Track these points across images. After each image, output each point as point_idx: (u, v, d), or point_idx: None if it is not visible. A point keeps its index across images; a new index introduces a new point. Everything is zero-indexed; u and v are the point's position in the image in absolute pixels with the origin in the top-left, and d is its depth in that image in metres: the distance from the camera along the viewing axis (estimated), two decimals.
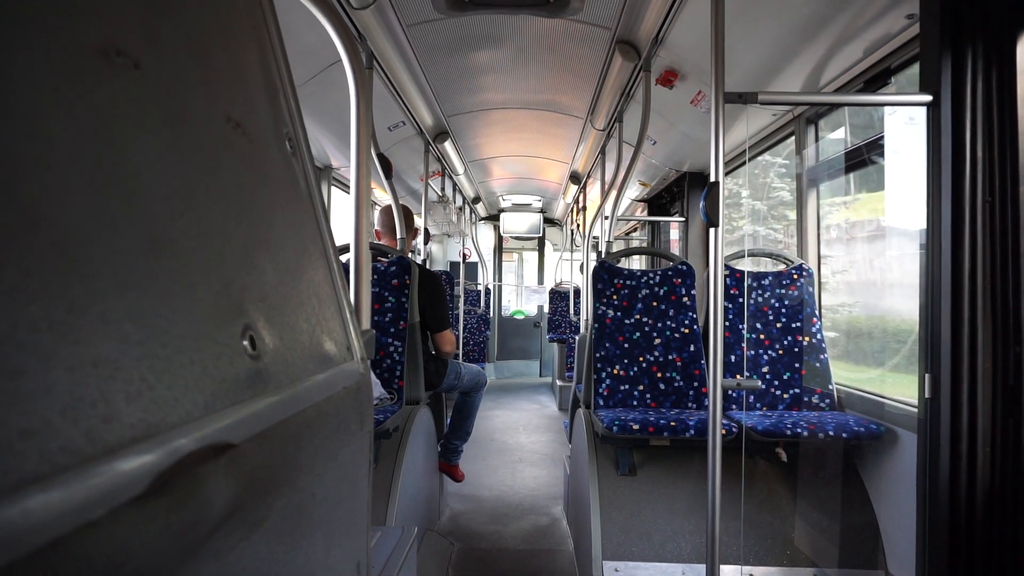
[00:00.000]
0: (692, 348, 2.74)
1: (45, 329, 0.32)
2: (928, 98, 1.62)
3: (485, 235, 9.18)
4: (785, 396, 2.61)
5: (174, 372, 0.44)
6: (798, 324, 2.68)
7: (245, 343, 0.55)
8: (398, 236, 3.10)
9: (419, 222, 4.20)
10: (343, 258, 2.06)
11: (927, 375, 1.63)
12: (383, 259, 2.79)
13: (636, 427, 2.22)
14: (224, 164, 0.58)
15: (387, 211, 3.12)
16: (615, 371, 2.72)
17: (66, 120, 0.36)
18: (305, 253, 0.79)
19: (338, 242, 1.56)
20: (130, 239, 0.41)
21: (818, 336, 2.65)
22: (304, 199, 0.82)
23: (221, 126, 0.59)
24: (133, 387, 0.38)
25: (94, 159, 0.39)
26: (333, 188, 4.35)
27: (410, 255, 2.92)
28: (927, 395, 1.63)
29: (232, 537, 0.49)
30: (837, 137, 2.82)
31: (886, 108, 2.34)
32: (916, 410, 1.70)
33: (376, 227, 3.14)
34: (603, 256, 3.11)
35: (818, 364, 2.62)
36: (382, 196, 5.21)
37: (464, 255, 7.13)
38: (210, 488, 0.46)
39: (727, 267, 2.72)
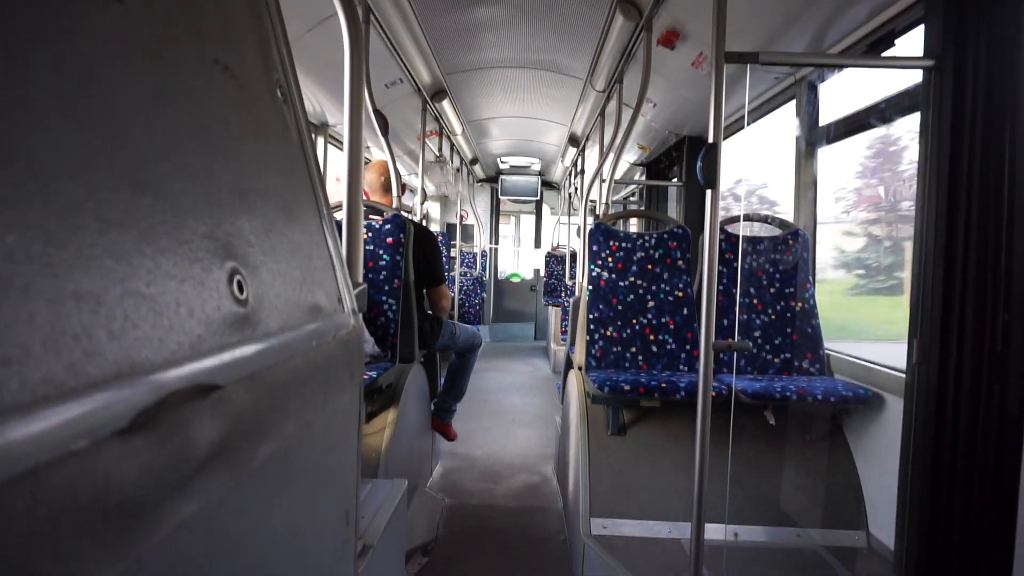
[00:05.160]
0: (685, 311, 2.75)
1: (23, 260, 0.32)
2: (930, 62, 1.60)
3: (482, 197, 9.12)
4: (776, 360, 2.64)
5: (159, 312, 0.44)
6: (791, 289, 2.69)
7: (232, 287, 0.56)
8: (393, 194, 3.07)
9: (415, 182, 4.16)
10: (337, 215, 2.05)
11: (915, 340, 1.64)
12: (377, 217, 2.77)
13: (627, 388, 2.24)
14: (211, 107, 0.58)
15: (375, 168, 3.08)
16: (608, 333, 2.73)
17: (46, 52, 0.36)
18: (296, 202, 0.78)
19: (333, 200, 1.54)
20: (112, 176, 0.41)
21: (811, 302, 2.66)
22: (295, 148, 0.81)
23: (208, 68, 0.58)
24: (116, 324, 0.39)
25: (75, 93, 0.38)
26: (329, 147, 4.30)
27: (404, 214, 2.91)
28: (914, 360, 1.64)
29: (218, 479, 0.50)
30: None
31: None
32: (904, 375, 1.72)
33: (364, 186, 3.10)
34: (599, 218, 3.10)
35: (810, 329, 2.63)
36: (376, 154, 5.16)
37: (461, 216, 7.09)
38: (195, 428, 0.46)
39: (723, 231, 2.71)
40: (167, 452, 0.42)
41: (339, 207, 2.19)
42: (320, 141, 4.19)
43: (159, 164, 0.47)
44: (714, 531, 2.07)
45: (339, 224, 1.55)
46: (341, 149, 4.33)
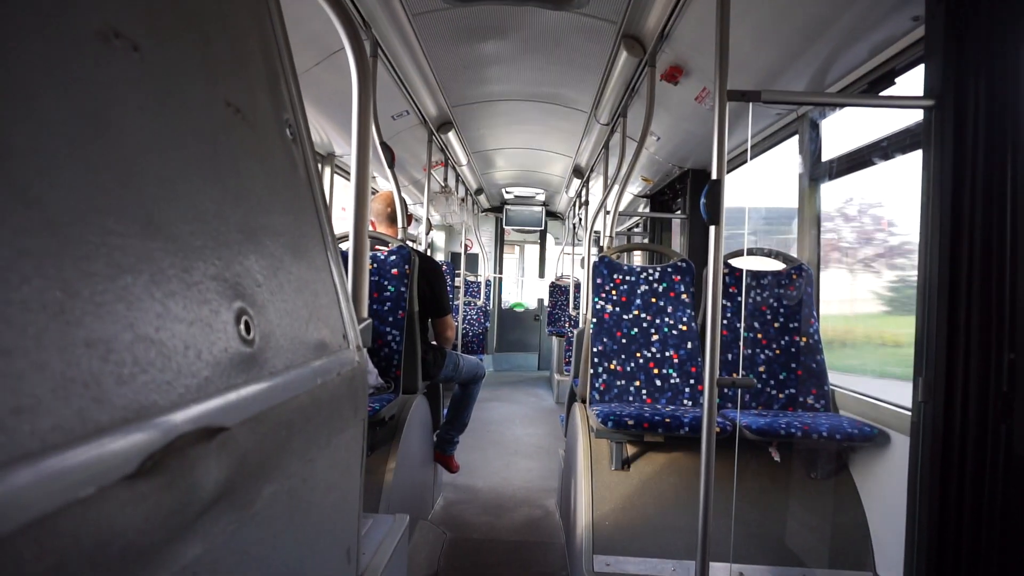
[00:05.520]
0: (689, 345, 2.74)
1: (38, 309, 0.32)
2: (930, 102, 1.62)
3: (487, 227, 9.17)
4: (780, 396, 2.62)
5: (167, 355, 0.44)
6: (796, 324, 2.68)
7: (240, 328, 0.56)
8: (399, 225, 3.10)
9: (420, 212, 4.19)
10: (343, 247, 2.06)
11: (920, 378, 1.63)
12: (383, 248, 2.79)
13: (631, 422, 2.23)
14: (222, 149, 0.59)
15: (380, 199, 3.11)
16: (612, 366, 2.72)
17: (63, 101, 0.37)
18: (303, 240, 0.79)
19: (340, 230, 1.56)
20: (125, 221, 0.41)
21: (815, 337, 2.66)
22: (303, 186, 0.82)
23: (220, 111, 0.59)
24: (125, 369, 0.39)
25: (90, 140, 0.39)
26: (336, 176, 4.34)
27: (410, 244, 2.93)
28: (919, 398, 1.63)
29: (222, 520, 0.50)
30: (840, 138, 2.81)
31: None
32: (910, 413, 1.70)
33: (371, 216, 3.13)
34: (603, 250, 3.11)
35: (814, 365, 2.62)
36: (382, 184, 5.20)
37: (466, 246, 7.13)
38: (200, 471, 0.46)
39: (726, 265, 2.72)
40: (173, 496, 0.42)
41: (345, 238, 2.21)
42: (327, 171, 4.24)
43: (171, 207, 0.48)
44: (719, 570, 2.04)
45: (344, 254, 1.56)
46: (347, 179, 4.38)
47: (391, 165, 3.13)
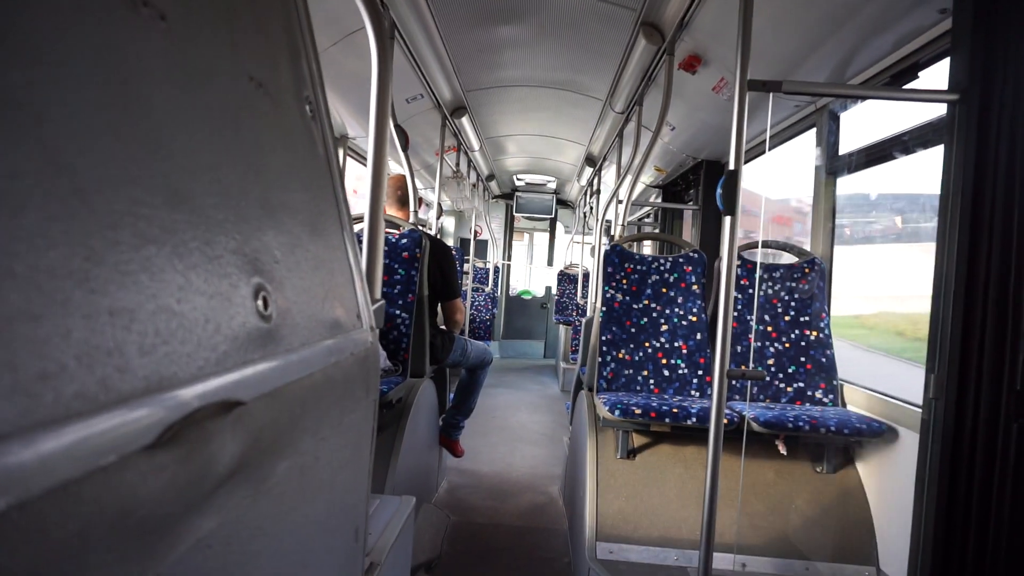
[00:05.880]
0: (698, 336, 2.74)
1: (64, 276, 0.32)
2: (955, 96, 1.59)
3: (497, 213, 9.16)
4: (789, 389, 2.61)
5: (188, 328, 0.44)
6: (807, 318, 2.67)
7: (258, 303, 0.56)
8: (410, 208, 3.09)
9: (432, 196, 4.18)
10: (356, 228, 2.06)
11: (932, 375, 1.62)
12: (394, 231, 2.79)
13: (638, 412, 2.23)
14: (244, 123, 0.58)
15: (392, 181, 3.10)
16: (620, 355, 2.72)
17: (92, 68, 0.36)
18: (320, 218, 0.79)
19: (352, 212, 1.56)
20: (151, 191, 0.41)
21: (826, 331, 2.64)
22: (322, 164, 0.82)
23: (244, 84, 0.59)
24: (148, 340, 0.39)
25: (119, 109, 0.39)
26: (348, 159, 4.34)
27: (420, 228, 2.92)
28: (931, 395, 1.62)
29: (236, 495, 0.50)
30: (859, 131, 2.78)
31: None
32: (920, 410, 1.69)
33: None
34: (615, 240, 3.10)
35: (824, 359, 2.61)
36: (394, 167, 5.20)
37: (476, 232, 7.12)
38: (217, 444, 0.46)
39: (739, 257, 2.70)
40: (190, 468, 0.42)
41: (359, 219, 2.21)
42: (340, 153, 4.23)
43: (195, 179, 0.47)
44: (722, 560, 2.04)
45: (358, 236, 1.56)
46: (360, 162, 4.38)
47: (405, 148, 3.12)
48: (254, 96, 0.61)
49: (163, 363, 0.40)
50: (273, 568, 0.59)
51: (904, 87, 2.29)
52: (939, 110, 2.04)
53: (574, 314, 7.14)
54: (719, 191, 1.60)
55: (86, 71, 0.35)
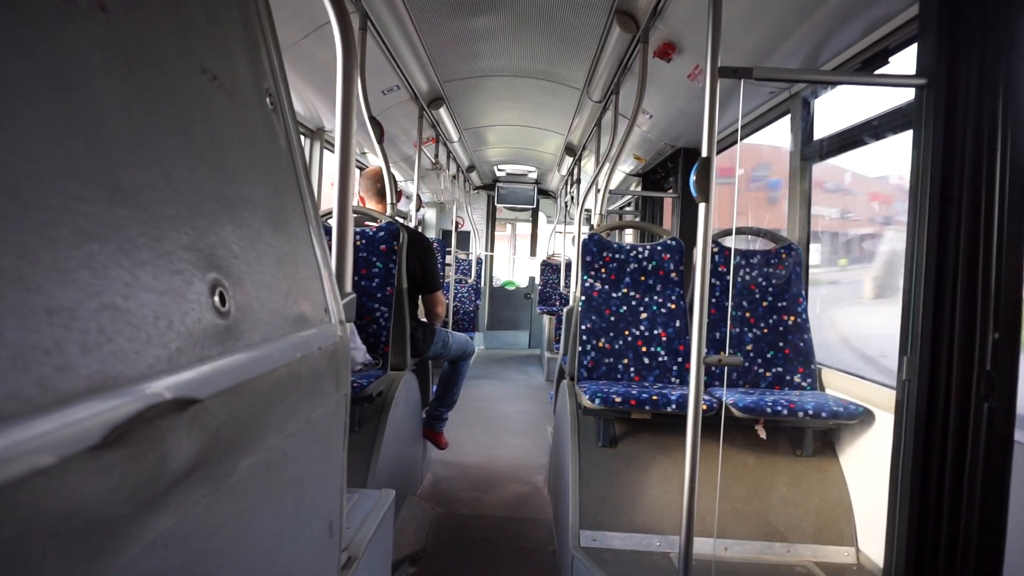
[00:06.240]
0: (678, 323, 2.75)
1: None
2: (923, 81, 1.61)
3: (479, 204, 9.13)
4: (767, 374, 2.64)
5: (136, 325, 0.43)
6: (784, 303, 2.69)
7: (214, 299, 0.55)
8: (388, 201, 3.07)
9: (411, 188, 4.15)
10: (328, 222, 2.05)
11: (905, 357, 1.65)
12: (372, 224, 2.77)
13: (618, 400, 2.24)
14: (197, 116, 0.57)
15: (369, 175, 3.08)
16: (600, 344, 2.73)
17: (24, 61, 0.35)
18: (283, 211, 0.78)
19: (330, 206, 1.54)
20: (90, 187, 0.40)
21: (803, 316, 2.67)
22: (284, 158, 0.81)
23: (195, 77, 0.58)
24: (90, 338, 0.38)
25: (52, 102, 0.38)
26: (326, 152, 4.30)
27: (399, 220, 2.91)
28: (904, 376, 1.65)
29: (194, 493, 0.50)
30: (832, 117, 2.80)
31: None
32: (894, 391, 1.72)
33: (360, 192, 3.11)
34: (593, 228, 3.10)
35: (802, 344, 2.64)
36: (372, 160, 5.15)
37: (457, 223, 7.10)
38: (171, 443, 0.45)
39: (716, 244, 2.72)
40: (141, 468, 0.42)
41: (330, 214, 2.19)
42: (316, 146, 4.19)
43: (141, 174, 0.47)
44: (703, 545, 2.06)
45: (329, 230, 1.54)
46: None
47: (380, 140, 3.10)
48: (208, 89, 0.60)
49: (108, 361, 0.39)
50: (238, 564, 0.59)
51: (876, 72, 2.31)
52: (911, 95, 2.06)
53: (557, 304, 7.15)
54: (692, 178, 1.61)
55: (14, 64, 0.35)
